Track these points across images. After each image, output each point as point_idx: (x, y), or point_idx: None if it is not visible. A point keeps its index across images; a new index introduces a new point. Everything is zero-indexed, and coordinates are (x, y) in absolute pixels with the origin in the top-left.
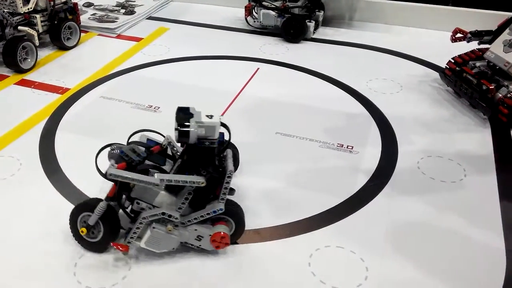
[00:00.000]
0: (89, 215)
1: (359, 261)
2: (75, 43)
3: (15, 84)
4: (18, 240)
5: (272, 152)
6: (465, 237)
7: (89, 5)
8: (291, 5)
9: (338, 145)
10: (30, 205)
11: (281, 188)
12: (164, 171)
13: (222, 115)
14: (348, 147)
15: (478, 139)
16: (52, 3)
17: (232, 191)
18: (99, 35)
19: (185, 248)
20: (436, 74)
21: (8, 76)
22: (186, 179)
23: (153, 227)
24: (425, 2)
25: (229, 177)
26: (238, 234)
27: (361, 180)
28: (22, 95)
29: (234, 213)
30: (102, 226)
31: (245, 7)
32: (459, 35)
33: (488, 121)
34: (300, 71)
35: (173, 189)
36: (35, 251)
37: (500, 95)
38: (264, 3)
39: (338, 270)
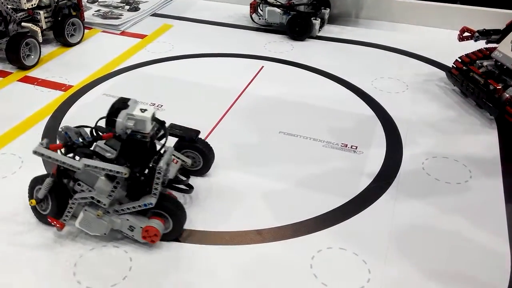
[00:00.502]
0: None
1: (362, 263)
2: (78, 39)
3: (18, 81)
4: (18, 239)
5: (275, 152)
6: (469, 240)
7: (93, 1)
8: (297, 3)
9: (342, 145)
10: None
11: (283, 188)
12: (106, 159)
13: (226, 113)
14: (352, 147)
15: (485, 139)
16: None
17: (190, 189)
18: (103, 31)
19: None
20: (442, 73)
21: (11, 73)
22: (109, 167)
23: (85, 210)
24: (432, 0)
25: (159, 173)
26: (175, 233)
27: (365, 181)
28: (25, 92)
29: (173, 213)
30: (50, 200)
31: (250, 4)
32: (466, 34)
33: (495, 122)
34: (305, 69)
35: (112, 176)
36: (34, 251)
37: (507, 95)
38: (269, 0)
39: (340, 272)
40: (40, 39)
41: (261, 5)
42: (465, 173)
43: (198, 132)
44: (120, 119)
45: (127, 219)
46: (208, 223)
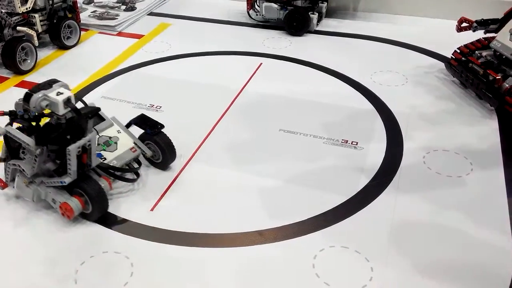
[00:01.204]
0: None
1: (364, 261)
2: (75, 42)
3: (15, 86)
4: (20, 243)
5: (276, 150)
6: (471, 235)
7: (89, 2)
8: None
9: (343, 141)
10: (31, 208)
11: (284, 187)
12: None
13: (225, 112)
14: (353, 143)
15: (485, 131)
16: (51, 1)
17: (136, 178)
18: (100, 33)
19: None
20: (442, 65)
21: (8, 78)
22: (23, 139)
23: (17, 175)
24: None
25: (69, 154)
26: (94, 216)
27: (366, 177)
28: None
29: (91, 196)
30: None
31: (247, 0)
32: (464, 24)
33: (495, 113)
34: (303, 65)
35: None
36: (34, 257)
37: (506, 85)
38: None
39: (343, 271)
40: (36, 43)
41: (258, 0)
42: (466, 166)
43: (158, 126)
44: (34, 98)
45: (50, 192)
46: (208, 225)
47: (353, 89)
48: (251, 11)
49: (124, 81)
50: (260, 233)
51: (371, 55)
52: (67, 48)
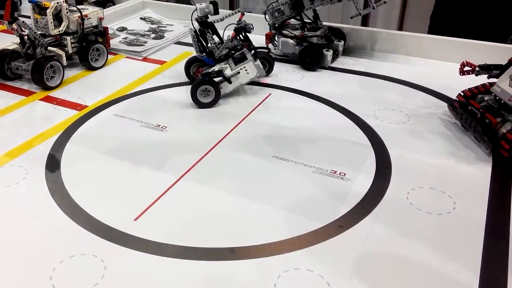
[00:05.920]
0: None
1: (325, 285)
2: (102, 64)
3: (39, 100)
4: (5, 241)
5: (264, 175)
6: (438, 275)
7: (122, 29)
8: (309, 34)
9: (331, 171)
10: (24, 211)
11: (265, 209)
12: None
13: (224, 137)
14: (341, 174)
15: (477, 173)
16: (81, 26)
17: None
18: (127, 57)
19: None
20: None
21: (35, 93)
22: None
23: None
24: (483, 39)
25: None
26: None
27: (346, 207)
28: (43, 110)
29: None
30: None
31: (266, 35)
32: (467, 68)
33: (491, 157)
34: (310, 98)
35: None
36: (18, 253)
37: (503, 130)
38: (284, 31)
39: None
40: (64, 62)
41: (276, 35)
42: (448, 205)
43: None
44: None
45: None
46: (185, 238)
47: (353, 123)
48: (270, 45)
49: (137, 102)
50: (232, 250)
51: (379, 93)
52: (94, 69)
